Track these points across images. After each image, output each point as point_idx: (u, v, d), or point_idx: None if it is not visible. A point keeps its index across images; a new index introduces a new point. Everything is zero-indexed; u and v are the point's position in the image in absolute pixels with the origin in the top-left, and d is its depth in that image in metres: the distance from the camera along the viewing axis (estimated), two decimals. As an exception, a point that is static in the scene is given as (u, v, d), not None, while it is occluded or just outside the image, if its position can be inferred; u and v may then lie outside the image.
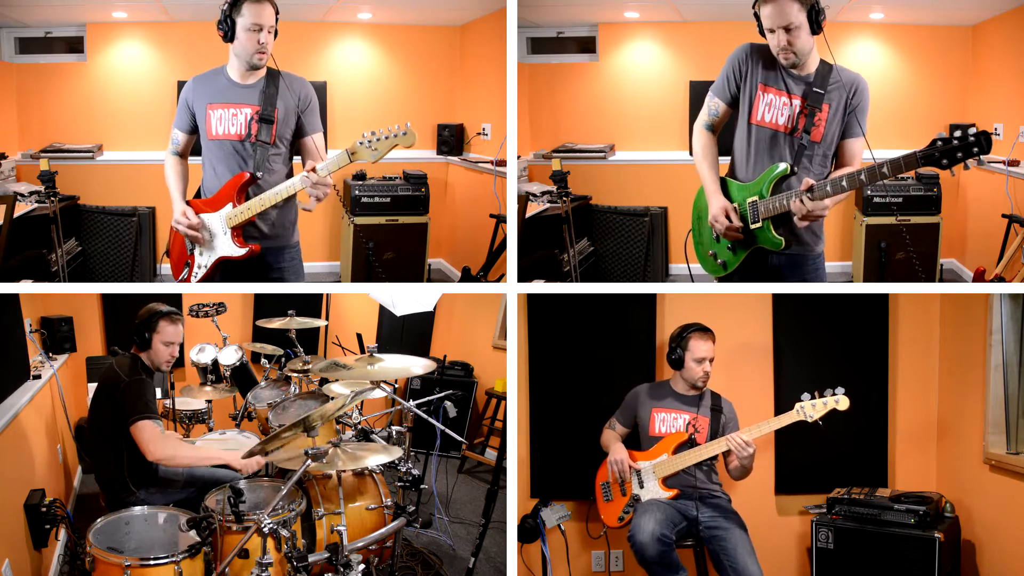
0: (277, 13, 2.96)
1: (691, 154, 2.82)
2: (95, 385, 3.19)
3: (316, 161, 3.02)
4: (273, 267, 3.10)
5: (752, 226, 2.63)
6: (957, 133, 2.13)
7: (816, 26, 2.51)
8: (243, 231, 3.01)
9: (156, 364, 3.15)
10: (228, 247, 3.01)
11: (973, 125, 2.20)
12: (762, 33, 2.60)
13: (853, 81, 2.56)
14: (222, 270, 3.07)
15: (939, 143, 2.19)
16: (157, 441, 2.93)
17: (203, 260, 3.07)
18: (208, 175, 3.07)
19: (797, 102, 2.56)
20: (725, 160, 2.86)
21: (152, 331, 3.10)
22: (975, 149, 2.13)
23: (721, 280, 2.81)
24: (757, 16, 2.60)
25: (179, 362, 4.75)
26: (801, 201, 2.47)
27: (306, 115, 3.07)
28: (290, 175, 3.08)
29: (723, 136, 2.87)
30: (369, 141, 2.80)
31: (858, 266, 5.18)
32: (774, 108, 2.60)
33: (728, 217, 2.67)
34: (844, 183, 2.41)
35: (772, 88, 2.60)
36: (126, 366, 3.06)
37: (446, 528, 4.15)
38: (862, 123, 2.56)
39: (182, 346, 4.78)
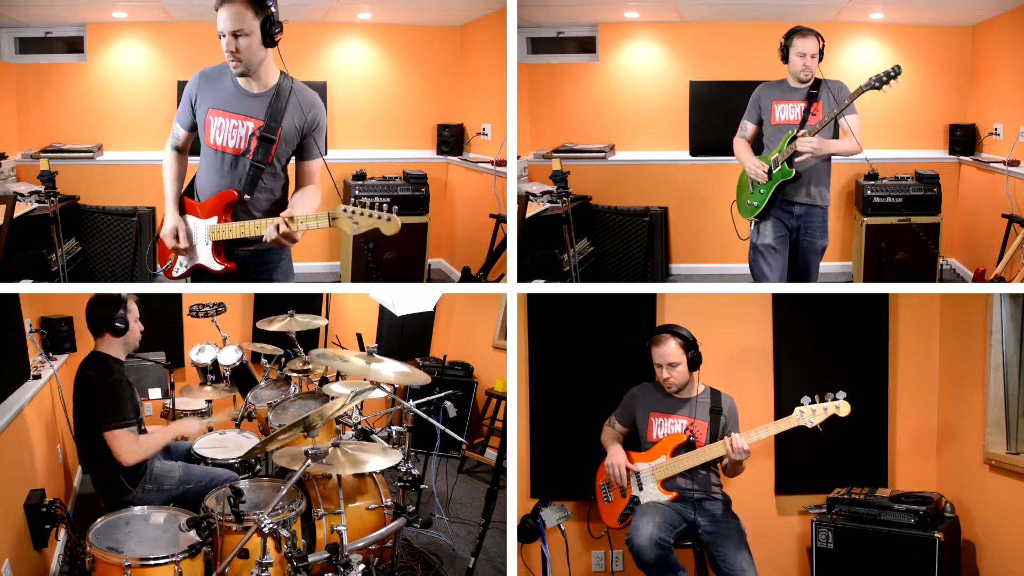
0: (263, 12, 2.73)
1: (733, 154, 3.88)
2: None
3: (310, 187, 2.96)
4: (262, 276, 3.05)
5: (774, 171, 3.64)
6: (882, 71, 3.38)
7: (821, 55, 3.63)
8: (225, 244, 2.94)
9: (133, 344, 3.14)
10: (207, 258, 2.96)
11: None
12: (784, 60, 3.67)
13: (835, 84, 3.64)
14: (202, 276, 3.03)
15: (872, 78, 3.39)
16: (130, 449, 2.93)
17: (185, 260, 3.04)
18: (202, 177, 3.00)
19: (801, 104, 3.66)
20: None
21: (127, 312, 3.08)
22: (892, 74, 3.35)
23: (757, 218, 3.75)
24: (786, 48, 3.65)
25: (179, 362, 4.80)
26: (800, 139, 3.57)
27: (311, 138, 2.94)
28: (284, 190, 3.02)
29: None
30: (352, 212, 2.65)
31: (858, 266, 5.18)
32: (786, 111, 3.70)
33: (759, 166, 3.69)
34: (825, 119, 3.54)
35: (782, 100, 3.71)
36: (98, 367, 3.03)
37: (446, 528, 4.15)
38: (843, 113, 3.61)
39: (182, 345, 4.87)
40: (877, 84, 3.38)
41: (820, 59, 3.62)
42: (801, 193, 3.65)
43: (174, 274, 3.07)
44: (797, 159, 3.58)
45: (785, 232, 3.71)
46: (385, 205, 2.66)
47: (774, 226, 3.70)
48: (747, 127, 3.85)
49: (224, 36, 2.73)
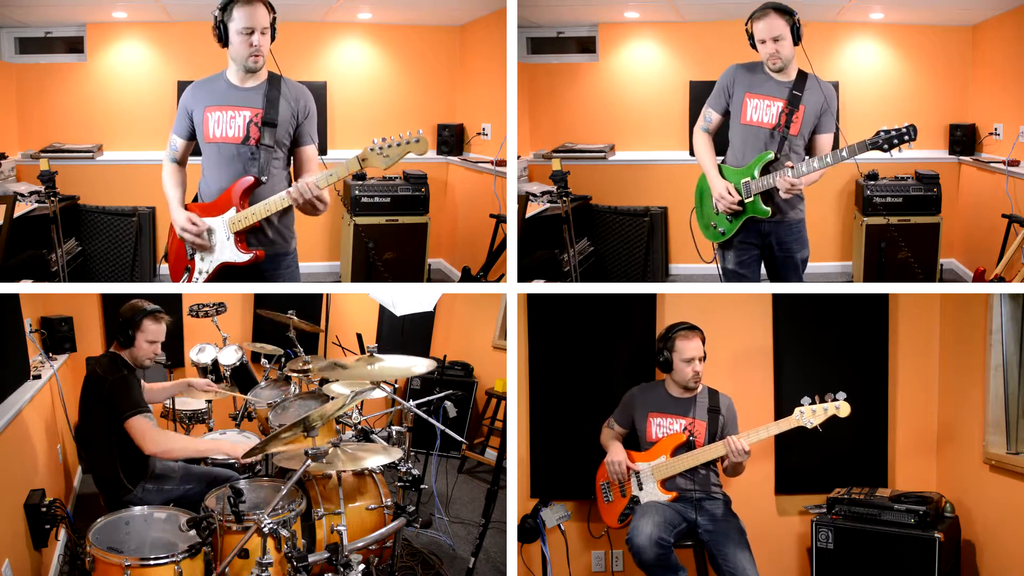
0: (273, 12, 2.93)
1: (691, 152, 3.33)
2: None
3: (311, 173, 3.01)
4: (270, 275, 3.07)
5: (745, 201, 3.22)
6: (894, 126, 2.88)
7: (797, 38, 3.08)
8: (246, 237, 2.97)
9: (139, 362, 3.14)
10: (231, 253, 2.96)
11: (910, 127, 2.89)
12: (753, 47, 3.18)
13: (827, 88, 3.15)
14: (224, 274, 3.03)
15: (881, 134, 2.89)
16: (153, 435, 2.94)
17: (204, 266, 3.03)
18: (205, 179, 3.04)
19: (780, 103, 3.13)
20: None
21: (136, 329, 3.08)
22: (905, 138, 2.86)
23: (720, 244, 3.37)
24: (749, 33, 3.16)
25: (179, 362, 4.80)
26: (784, 178, 3.08)
27: (304, 125, 3.04)
28: (289, 180, 3.06)
29: (716, 136, 3.42)
30: (380, 147, 2.74)
31: (858, 266, 5.18)
32: (760, 110, 3.18)
33: (729, 193, 3.22)
34: (816, 163, 3.04)
35: (758, 94, 3.18)
36: (106, 364, 3.05)
37: (446, 528, 4.15)
38: (830, 122, 3.19)
39: (182, 345, 4.87)
40: (886, 147, 2.87)
41: (797, 40, 3.07)
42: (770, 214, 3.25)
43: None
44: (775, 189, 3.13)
45: (753, 252, 3.32)
46: (409, 132, 2.74)
47: (739, 251, 3.32)
48: (711, 117, 3.33)
49: (252, 33, 2.88)
